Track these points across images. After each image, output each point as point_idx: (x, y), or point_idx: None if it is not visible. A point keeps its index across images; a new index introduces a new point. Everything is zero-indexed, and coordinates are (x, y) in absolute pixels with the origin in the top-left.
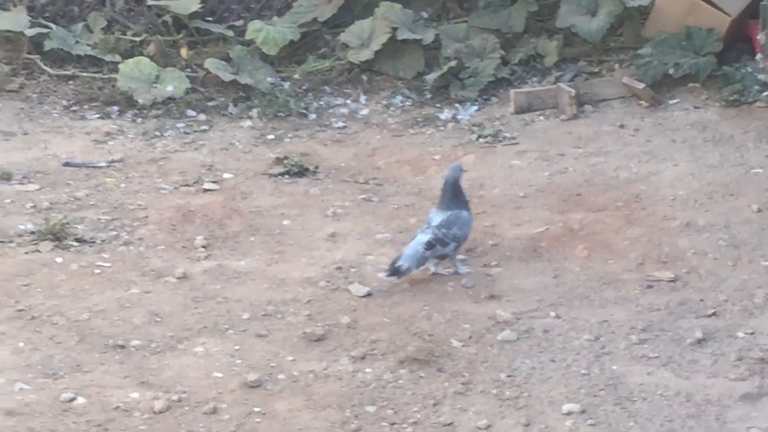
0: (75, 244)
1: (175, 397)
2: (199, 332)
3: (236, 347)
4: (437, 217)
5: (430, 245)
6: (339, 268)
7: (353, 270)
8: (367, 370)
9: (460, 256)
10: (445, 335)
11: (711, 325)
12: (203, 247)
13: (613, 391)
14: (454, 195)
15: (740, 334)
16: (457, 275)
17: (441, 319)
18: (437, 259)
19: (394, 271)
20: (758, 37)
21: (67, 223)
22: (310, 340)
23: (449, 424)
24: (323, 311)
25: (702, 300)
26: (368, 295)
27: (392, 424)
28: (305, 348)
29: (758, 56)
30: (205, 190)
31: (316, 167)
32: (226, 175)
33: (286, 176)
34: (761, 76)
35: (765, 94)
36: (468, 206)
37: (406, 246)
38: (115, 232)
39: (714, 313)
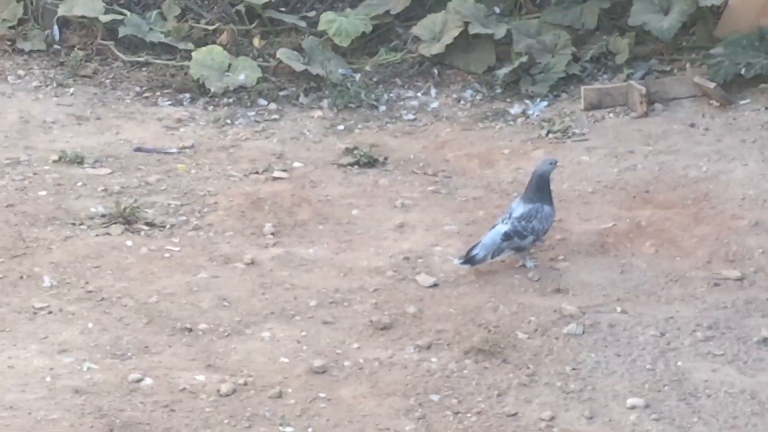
0: (145, 228)
1: (241, 381)
2: (266, 318)
3: (303, 333)
4: (519, 208)
5: (507, 236)
6: (406, 258)
7: (420, 260)
8: (433, 359)
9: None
10: (510, 327)
11: None
12: (272, 234)
13: (677, 386)
14: (539, 188)
15: None
16: (523, 267)
17: (506, 311)
18: (514, 251)
19: (469, 259)
20: None
21: (138, 207)
22: (376, 329)
23: (513, 415)
24: (390, 300)
25: None
26: (435, 285)
27: (456, 413)
28: (371, 336)
29: None
30: (275, 178)
31: (385, 158)
32: (295, 164)
33: (356, 167)
34: None
35: None
36: (552, 200)
37: (484, 234)
38: (184, 218)
39: None
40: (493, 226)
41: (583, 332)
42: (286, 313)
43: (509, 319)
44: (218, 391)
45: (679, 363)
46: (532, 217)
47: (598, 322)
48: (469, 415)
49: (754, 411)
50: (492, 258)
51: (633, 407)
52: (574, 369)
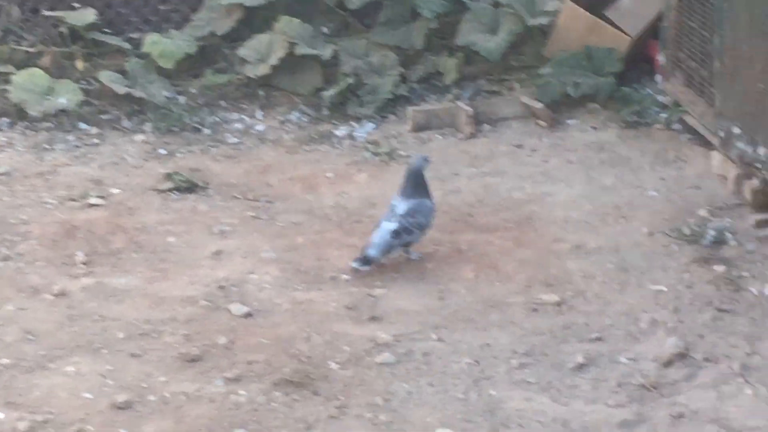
0: None
1: (40, 418)
2: (72, 351)
3: (109, 367)
4: (401, 205)
5: (396, 234)
6: (221, 287)
7: (235, 289)
8: (241, 392)
9: None
10: (323, 357)
11: (594, 350)
12: (84, 263)
13: (489, 416)
14: (416, 184)
15: (623, 360)
16: (409, 260)
17: (320, 340)
18: (402, 247)
19: (365, 260)
20: (658, 58)
21: None
22: (185, 361)
23: None
24: (201, 331)
25: (587, 324)
26: (248, 315)
27: None
28: (179, 369)
29: (658, 77)
30: (91, 205)
31: (207, 183)
32: (113, 190)
33: (175, 192)
34: (660, 98)
35: (664, 115)
36: (430, 195)
37: (373, 234)
38: None
39: (598, 338)
40: (378, 225)
41: (397, 361)
42: (93, 346)
43: (322, 348)
44: (15, 429)
45: (493, 392)
46: (416, 212)
47: (413, 351)
48: None
49: None
50: (383, 256)
51: None
52: (385, 400)
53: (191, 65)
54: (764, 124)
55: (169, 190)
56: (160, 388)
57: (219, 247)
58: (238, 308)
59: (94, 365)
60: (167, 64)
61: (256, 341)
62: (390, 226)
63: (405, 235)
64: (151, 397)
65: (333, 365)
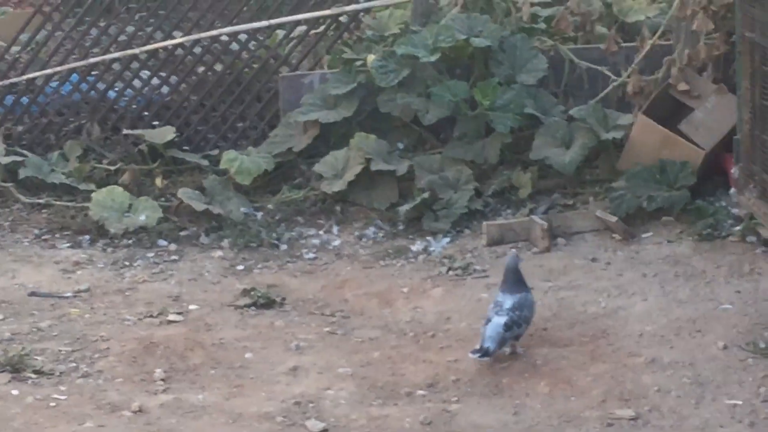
0: (33, 375)
1: None
2: None
3: None
4: (507, 300)
5: (508, 327)
6: (297, 403)
7: (311, 405)
8: None
9: None
10: None
11: None
12: (162, 380)
13: None
14: (516, 279)
15: None
16: (515, 353)
17: None
18: (513, 339)
19: (485, 352)
20: (732, 171)
21: (27, 355)
22: None
23: None
24: None
25: None
26: (324, 431)
27: None
28: None
29: (732, 190)
30: (170, 322)
31: (284, 299)
32: (192, 307)
33: (253, 308)
34: (735, 210)
35: (738, 228)
36: (529, 289)
37: (485, 328)
38: (74, 364)
39: None
40: (488, 321)
41: None
42: None
43: None
44: None
45: None
46: (523, 306)
47: None
48: None
49: None
50: (499, 348)
51: None
52: None
53: (268, 182)
54: None
55: (247, 306)
56: None
57: (295, 363)
58: (314, 424)
59: None
60: (244, 181)
61: None
62: (501, 319)
63: (516, 328)
64: None
65: None
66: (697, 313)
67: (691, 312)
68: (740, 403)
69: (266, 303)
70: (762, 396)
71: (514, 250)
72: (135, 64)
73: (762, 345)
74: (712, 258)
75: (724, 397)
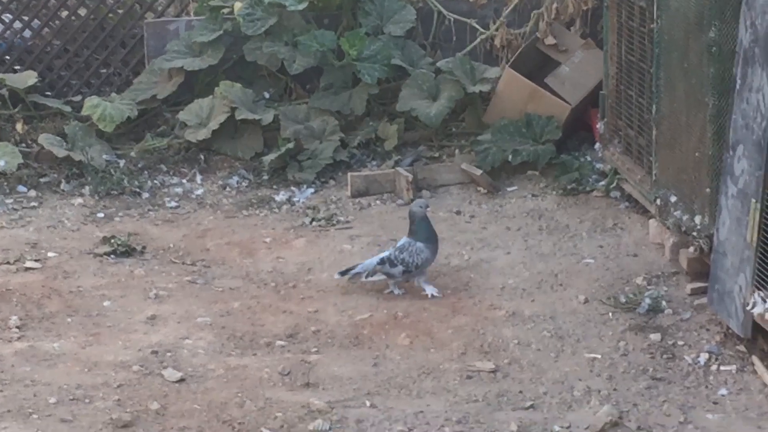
0: None
1: None
2: (2, 416)
3: None
4: (401, 241)
5: (382, 261)
6: (155, 352)
7: (169, 354)
8: None
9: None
10: (255, 424)
11: (527, 418)
12: (17, 327)
13: None
14: (418, 227)
15: (556, 428)
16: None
17: (253, 406)
18: (386, 276)
19: (345, 271)
20: (597, 126)
21: None
22: (117, 427)
23: None
24: (133, 396)
25: (521, 392)
26: (182, 380)
27: None
28: None
29: (597, 145)
30: (27, 269)
31: (144, 247)
32: (50, 254)
33: (112, 256)
34: (599, 165)
35: (602, 183)
36: (428, 239)
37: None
38: None
39: (532, 406)
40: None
41: (330, 428)
42: (23, 411)
43: (255, 415)
44: None
45: None
46: (404, 250)
47: (346, 418)
48: None
49: None
50: (366, 277)
51: None
52: None
53: (131, 129)
54: (700, 193)
55: (106, 254)
56: None
57: (154, 312)
58: (171, 373)
59: (24, 431)
60: (107, 128)
61: (188, 407)
62: (383, 254)
63: (388, 265)
64: None
65: None
66: (559, 267)
67: (553, 266)
68: (599, 356)
69: (126, 251)
70: (621, 350)
71: (422, 199)
72: None
73: (622, 299)
74: (575, 212)
75: (584, 351)
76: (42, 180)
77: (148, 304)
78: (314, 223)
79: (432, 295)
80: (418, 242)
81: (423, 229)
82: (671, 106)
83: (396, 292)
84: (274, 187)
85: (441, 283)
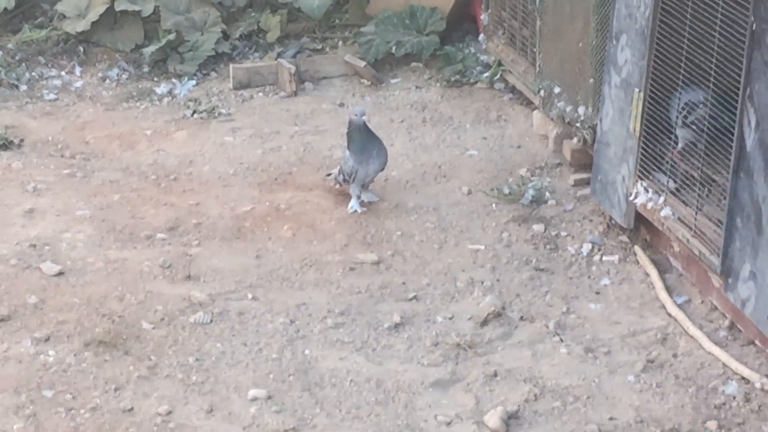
0: None
1: None
2: None
3: None
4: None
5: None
6: (33, 246)
7: (47, 248)
8: (50, 352)
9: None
10: (136, 317)
11: (410, 309)
12: None
13: (302, 376)
14: (349, 135)
15: (439, 319)
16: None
17: (133, 300)
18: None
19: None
20: (481, 17)
21: None
22: None
23: (129, 410)
24: (10, 290)
25: (404, 283)
26: (60, 273)
27: (69, 409)
28: None
29: (481, 37)
30: None
31: (22, 140)
32: None
33: None
34: (483, 57)
35: (486, 75)
36: (358, 149)
37: None
38: None
39: (414, 297)
40: None
41: (211, 321)
42: None
43: (135, 308)
44: None
45: (307, 351)
46: (342, 159)
47: (228, 310)
48: (82, 411)
49: (378, 400)
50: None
51: (254, 399)
52: (197, 360)
53: (8, 20)
54: (584, 84)
55: None
56: None
57: (32, 205)
58: (49, 267)
59: None
60: None
61: (67, 301)
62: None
63: (339, 173)
64: None
65: (146, 325)
66: (442, 158)
67: (436, 158)
68: (482, 247)
69: (3, 144)
70: (504, 241)
71: (359, 106)
72: None
73: (506, 191)
74: (459, 104)
75: (467, 242)
76: None
77: (26, 198)
78: (195, 115)
79: (352, 207)
80: (346, 151)
81: (353, 139)
82: None
83: (352, 208)
84: (155, 79)
85: (322, 175)
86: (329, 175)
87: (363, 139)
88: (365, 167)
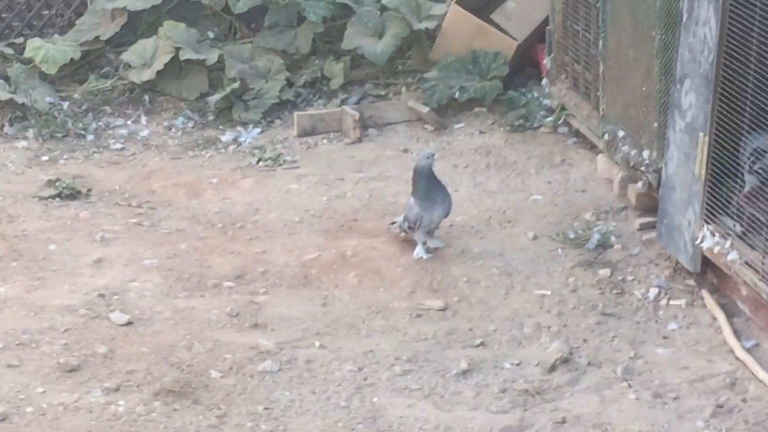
0: None
1: None
2: None
3: None
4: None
5: (404, 218)
6: (101, 296)
7: (116, 297)
8: (120, 402)
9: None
10: (204, 366)
11: (477, 356)
12: None
13: (371, 424)
14: (415, 182)
15: (506, 365)
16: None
17: (201, 348)
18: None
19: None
20: (544, 61)
21: None
22: (64, 371)
23: None
24: (80, 340)
25: (471, 329)
26: (129, 323)
27: None
28: (58, 379)
29: (544, 81)
30: None
31: (89, 190)
32: None
33: (57, 199)
34: (546, 101)
35: (549, 119)
36: (422, 194)
37: None
38: None
39: (482, 343)
40: None
41: (279, 369)
42: None
43: (204, 357)
44: None
45: (375, 399)
46: (407, 207)
47: (295, 358)
48: None
49: None
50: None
51: None
52: (266, 408)
53: (75, 71)
54: (648, 127)
55: (51, 197)
56: (38, 399)
57: (100, 255)
58: (118, 317)
59: None
60: (51, 70)
61: (136, 350)
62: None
63: (404, 221)
64: (29, 409)
65: (214, 374)
66: (507, 204)
67: (501, 203)
68: (549, 293)
69: (71, 194)
70: (570, 286)
71: (427, 150)
72: None
73: (571, 235)
74: (523, 149)
75: (534, 287)
76: None
77: (94, 247)
78: (261, 163)
79: (417, 254)
80: (411, 197)
81: (418, 184)
82: (618, 40)
83: (418, 254)
84: (220, 127)
85: (388, 222)
86: (393, 223)
87: (428, 185)
88: (430, 213)
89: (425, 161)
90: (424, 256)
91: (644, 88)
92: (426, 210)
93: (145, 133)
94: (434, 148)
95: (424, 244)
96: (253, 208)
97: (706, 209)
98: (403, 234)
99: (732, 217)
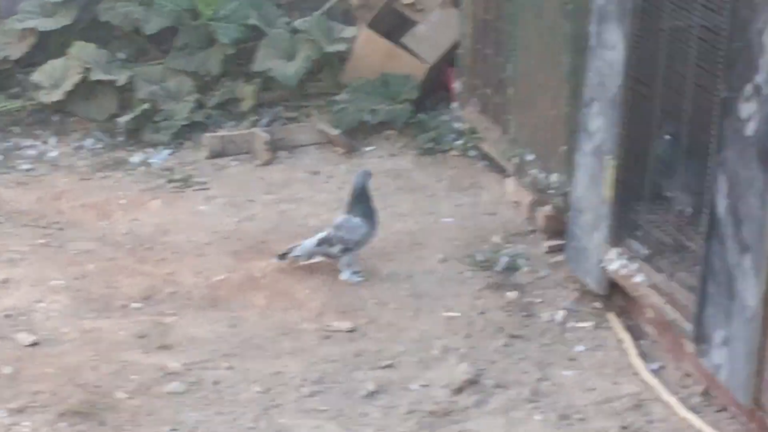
0: None
1: None
2: None
3: None
4: (338, 218)
5: (320, 242)
6: (8, 316)
7: (22, 318)
8: (25, 423)
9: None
10: (110, 387)
11: (385, 377)
12: None
13: None
14: (354, 200)
15: (414, 387)
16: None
17: (108, 369)
18: (325, 257)
19: (284, 254)
20: (454, 85)
21: None
22: None
23: None
24: None
25: (379, 351)
26: (35, 344)
27: None
28: None
29: (454, 104)
30: None
31: None
32: None
33: None
34: (457, 125)
35: (459, 142)
36: (368, 213)
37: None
38: None
39: (390, 365)
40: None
41: (186, 390)
42: None
43: (110, 378)
44: None
45: (282, 420)
46: (342, 227)
47: (203, 379)
48: None
49: None
50: (307, 259)
51: None
52: (173, 429)
53: None
54: (556, 151)
55: None
56: None
57: (7, 276)
58: (24, 337)
59: None
60: None
61: (41, 371)
62: (322, 234)
63: (326, 245)
64: None
65: (121, 395)
66: (417, 226)
67: (411, 225)
68: (457, 315)
69: None
70: (479, 308)
71: (364, 168)
72: None
73: (480, 258)
74: (433, 172)
75: (442, 310)
76: None
77: (1, 268)
78: (170, 184)
79: (350, 279)
80: (354, 218)
81: (360, 203)
82: (527, 64)
83: (344, 276)
84: (130, 148)
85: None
86: (285, 254)
87: (369, 202)
88: (375, 232)
89: (364, 177)
90: (356, 280)
91: (553, 112)
92: (373, 228)
93: (54, 153)
94: (344, 171)
95: (349, 266)
96: (162, 229)
97: (613, 232)
98: (313, 261)
99: (638, 240)
